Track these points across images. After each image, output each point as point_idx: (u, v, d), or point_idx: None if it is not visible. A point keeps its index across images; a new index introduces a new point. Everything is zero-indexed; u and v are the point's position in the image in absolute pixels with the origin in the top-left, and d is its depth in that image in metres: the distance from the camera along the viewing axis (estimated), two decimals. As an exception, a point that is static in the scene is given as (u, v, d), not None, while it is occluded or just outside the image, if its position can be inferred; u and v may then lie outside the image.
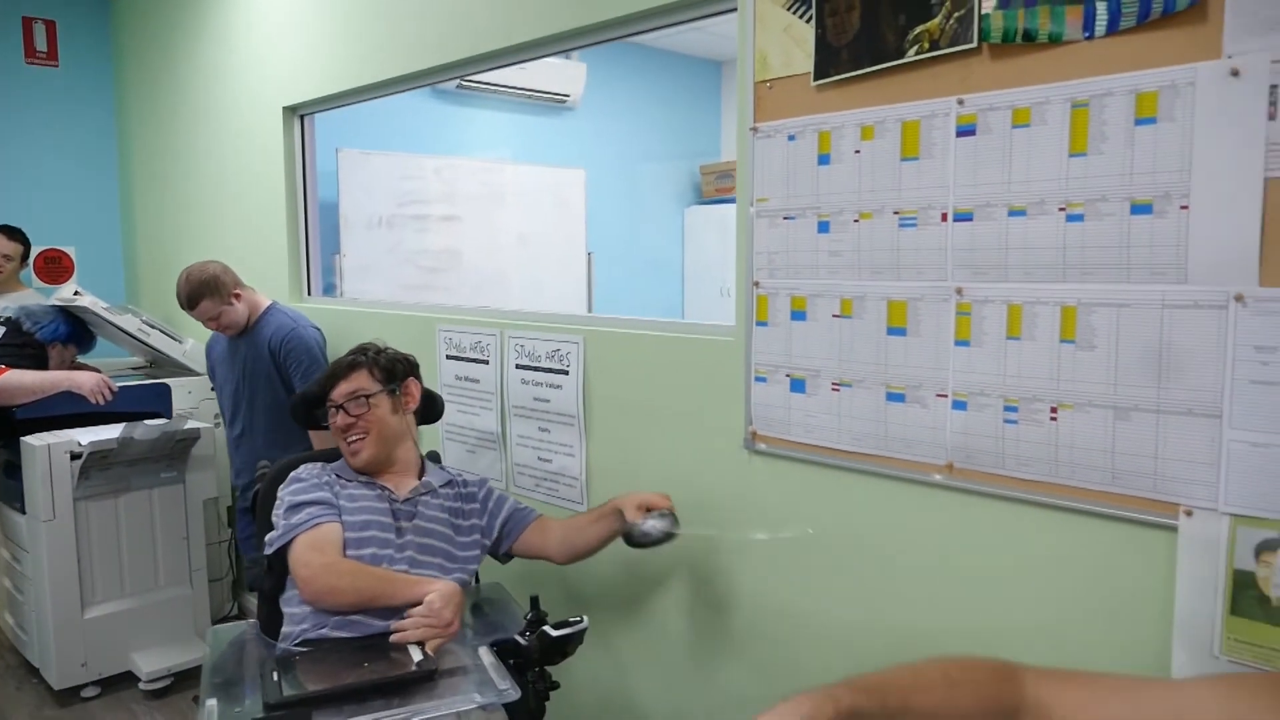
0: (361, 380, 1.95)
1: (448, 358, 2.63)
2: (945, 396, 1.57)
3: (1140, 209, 1.33)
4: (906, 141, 1.57)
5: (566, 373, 2.27)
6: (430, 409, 2.14)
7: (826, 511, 1.77)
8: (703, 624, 2.04)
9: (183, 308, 2.80)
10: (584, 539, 1.93)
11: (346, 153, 4.02)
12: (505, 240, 4.75)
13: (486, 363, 2.50)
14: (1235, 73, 1.22)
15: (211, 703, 1.53)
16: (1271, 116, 1.20)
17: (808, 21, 1.67)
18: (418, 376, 2.07)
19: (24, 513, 3.07)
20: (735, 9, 1.80)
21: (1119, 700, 0.91)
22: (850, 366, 1.70)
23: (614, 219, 5.30)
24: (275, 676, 1.58)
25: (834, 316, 1.71)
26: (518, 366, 2.41)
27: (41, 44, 4.37)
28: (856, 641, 1.74)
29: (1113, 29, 1.32)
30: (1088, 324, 1.39)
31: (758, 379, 1.85)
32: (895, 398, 1.64)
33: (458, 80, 4.01)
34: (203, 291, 2.75)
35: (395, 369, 1.99)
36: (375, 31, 2.82)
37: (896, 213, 1.60)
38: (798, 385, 1.79)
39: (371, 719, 1.47)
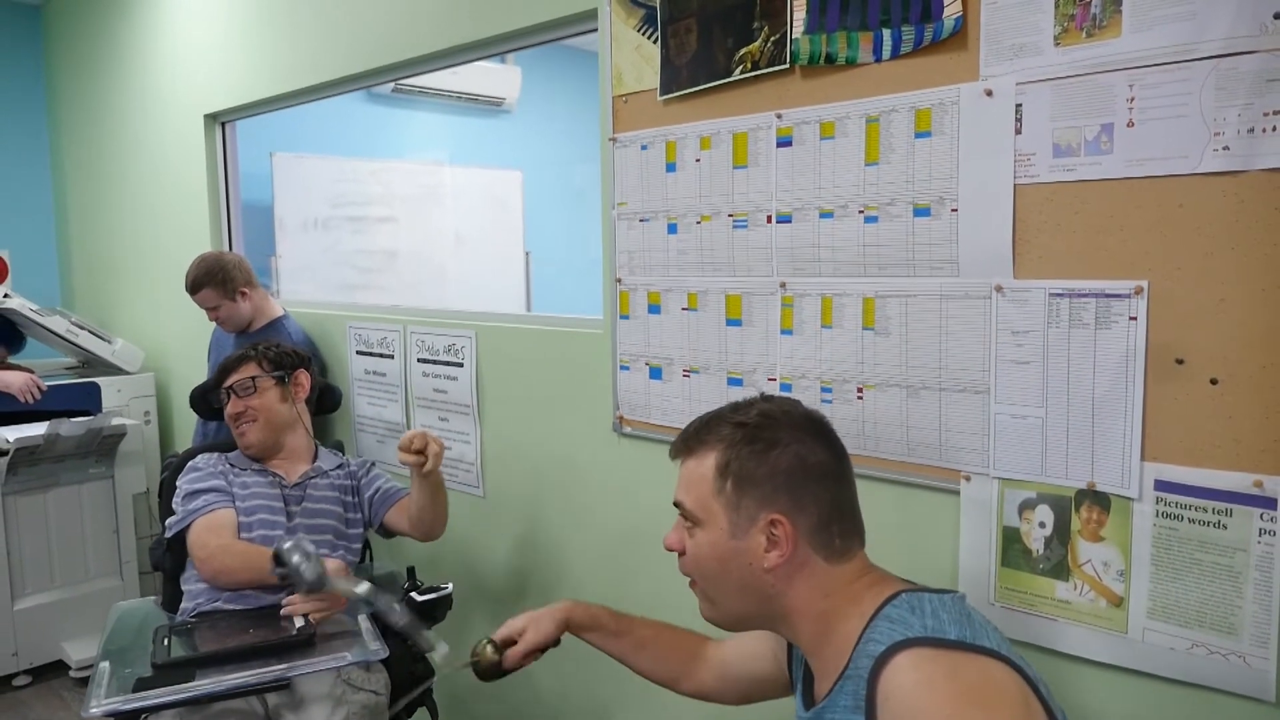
0: (251, 369, 2.11)
1: (357, 353, 2.77)
2: (775, 380, 1.74)
3: (921, 212, 1.51)
4: (737, 151, 1.74)
5: (461, 365, 2.43)
6: (325, 399, 2.29)
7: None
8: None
9: (187, 291, 2.79)
10: (416, 507, 2.02)
11: (280, 156, 4.13)
12: (443, 241, 4.89)
13: (391, 357, 2.64)
14: (989, 93, 1.40)
15: (104, 665, 1.67)
16: (1018, 131, 1.38)
17: (654, 42, 1.84)
18: (308, 369, 2.21)
19: (-47, 507, 3.17)
20: (596, 29, 1.97)
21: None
22: (698, 355, 1.87)
23: (551, 219, 5.44)
24: (166, 641, 1.72)
25: (683, 310, 1.88)
26: (419, 360, 2.56)
27: (-28, 52, 4.46)
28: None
29: (895, 53, 1.50)
30: (884, 313, 1.57)
31: (622, 368, 2.02)
32: (735, 382, 1.81)
33: (393, 84, 4.14)
34: (206, 280, 2.74)
35: (284, 361, 2.15)
36: (297, 38, 2.93)
37: (730, 215, 1.77)
38: (655, 373, 1.95)
39: (250, 674, 1.62)
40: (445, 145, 5.08)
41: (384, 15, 2.57)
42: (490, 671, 1.41)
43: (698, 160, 1.81)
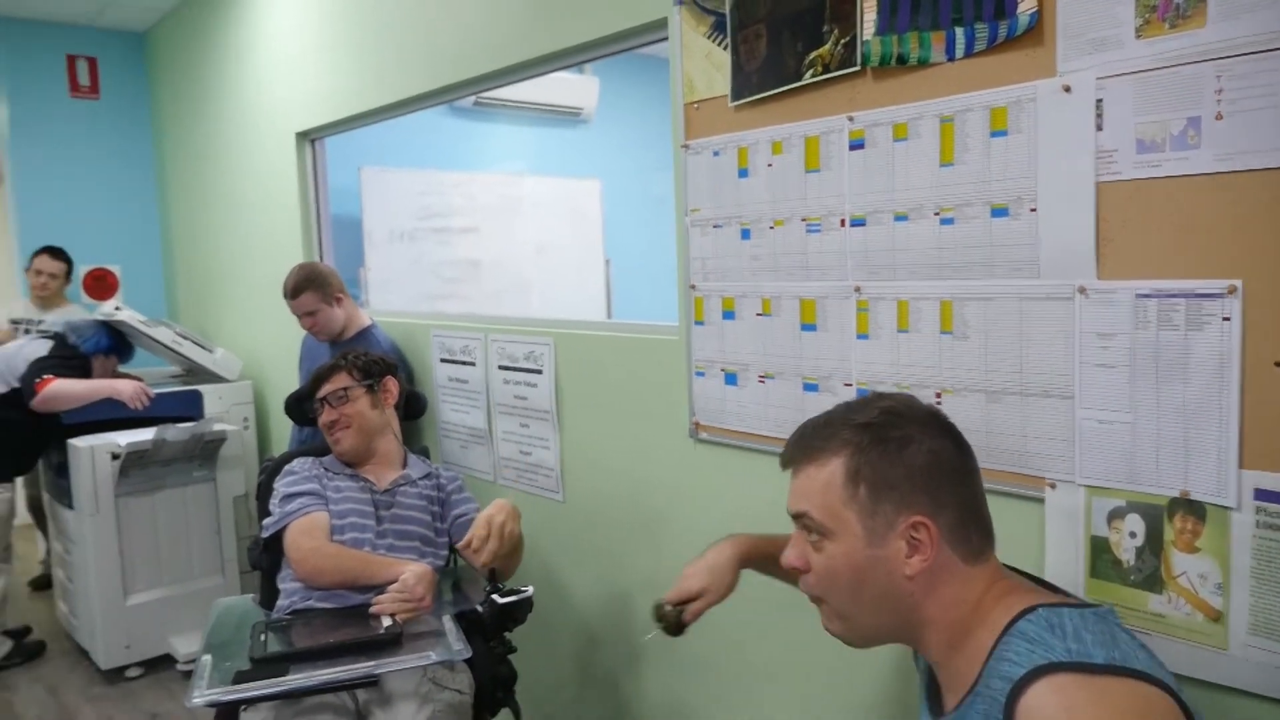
0: (342, 379, 2.19)
1: (441, 360, 2.85)
2: (850, 385, 1.73)
3: (998, 212, 1.48)
4: (809, 155, 1.73)
5: (541, 372, 2.47)
6: (412, 406, 2.36)
7: (758, 491, 1.94)
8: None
9: (285, 296, 2.89)
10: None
11: (368, 171, 4.28)
12: (524, 250, 4.98)
13: (474, 364, 2.71)
14: (1067, 89, 1.37)
15: (206, 658, 1.76)
16: (1099, 128, 1.35)
17: (724, 48, 1.85)
18: (396, 376, 2.29)
19: (72, 508, 3.37)
20: (667, 38, 1.98)
21: None
22: (772, 360, 1.86)
23: (630, 227, 5.48)
24: (263, 637, 1.80)
25: (757, 315, 1.88)
26: (500, 367, 2.62)
27: (84, 78, 4.74)
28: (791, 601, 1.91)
29: (969, 52, 1.48)
30: (962, 317, 1.55)
31: (697, 374, 2.03)
32: (810, 387, 1.80)
33: (475, 98, 4.24)
34: (307, 284, 2.84)
35: (372, 369, 2.22)
36: (381, 56, 3.03)
37: (803, 220, 1.76)
38: (730, 378, 1.96)
39: (341, 670, 1.68)
40: (526, 156, 5.18)
41: (463, 31, 2.64)
42: (676, 629, 1.44)
43: (769, 165, 1.81)
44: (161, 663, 3.43)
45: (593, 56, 2.30)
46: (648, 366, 2.17)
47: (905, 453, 1.05)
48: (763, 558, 1.46)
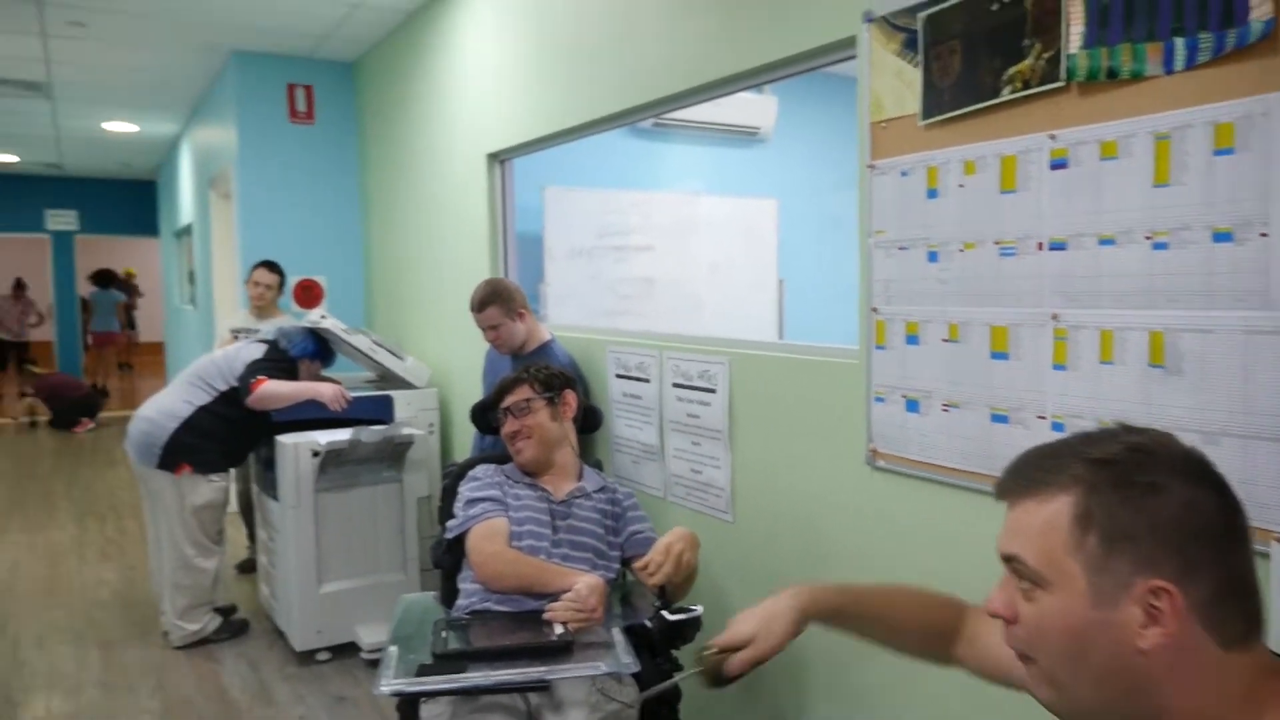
0: (524, 391, 2.27)
1: (616, 376, 2.91)
2: (1044, 419, 1.64)
3: (1221, 237, 1.36)
4: (1005, 175, 1.66)
5: (714, 391, 2.48)
6: (589, 419, 2.42)
7: (939, 524, 1.86)
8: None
9: (472, 310, 3.02)
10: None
11: (551, 190, 4.45)
12: (698, 268, 5.02)
13: (648, 381, 2.75)
14: (1308, 103, 1.25)
15: (393, 649, 1.87)
16: (1347, 145, 1.22)
17: (915, 66, 1.80)
18: (575, 389, 2.36)
19: (277, 500, 3.66)
20: (855, 56, 1.95)
21: None
22: (959, 388, 1.79)
23: (805, 247, 5.43)
24: (444, 634, 1.89)
25: (943, 341, 1.81)
26: (674, 385, 2.64)
27: (301, 105, 5.18)
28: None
29: (1191, 64, 1.37)
30: (1175, 349, 1.43)
31: (877, 399, 1.98)
32: (999, 419, 1.72)
33: (653, 119, 4.34)
34: (492, 299, 2.97)
35: (553, 382, 2.30)
36: (569, 80, 3.14)
37: (997, 243, 1.69)
38: (912, 405, 1.89)
39: (515, 672, 1.74)
40: (702, 175, 5.22)
41: (647, 54, 2.70)
42: (716, 680, 1.28)
43: (961, 185, 1.74)
44: (347, 649, 3.66)
45: (777, 76, 2.30)
46: (824, 389, 2.14)
47: (1152, 501, 0.86)
48: (833, 611, 1.29)
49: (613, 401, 2.92)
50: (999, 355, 1.70)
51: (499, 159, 3.76)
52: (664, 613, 1.83)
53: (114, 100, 6.46)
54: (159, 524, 3.74)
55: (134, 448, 3.65)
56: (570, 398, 2.34)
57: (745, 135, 5.29)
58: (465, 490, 2.25)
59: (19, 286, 12.54)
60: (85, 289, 12.07)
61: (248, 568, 4.71)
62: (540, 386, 2.29)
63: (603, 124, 3.07)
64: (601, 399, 2.98)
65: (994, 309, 1.70)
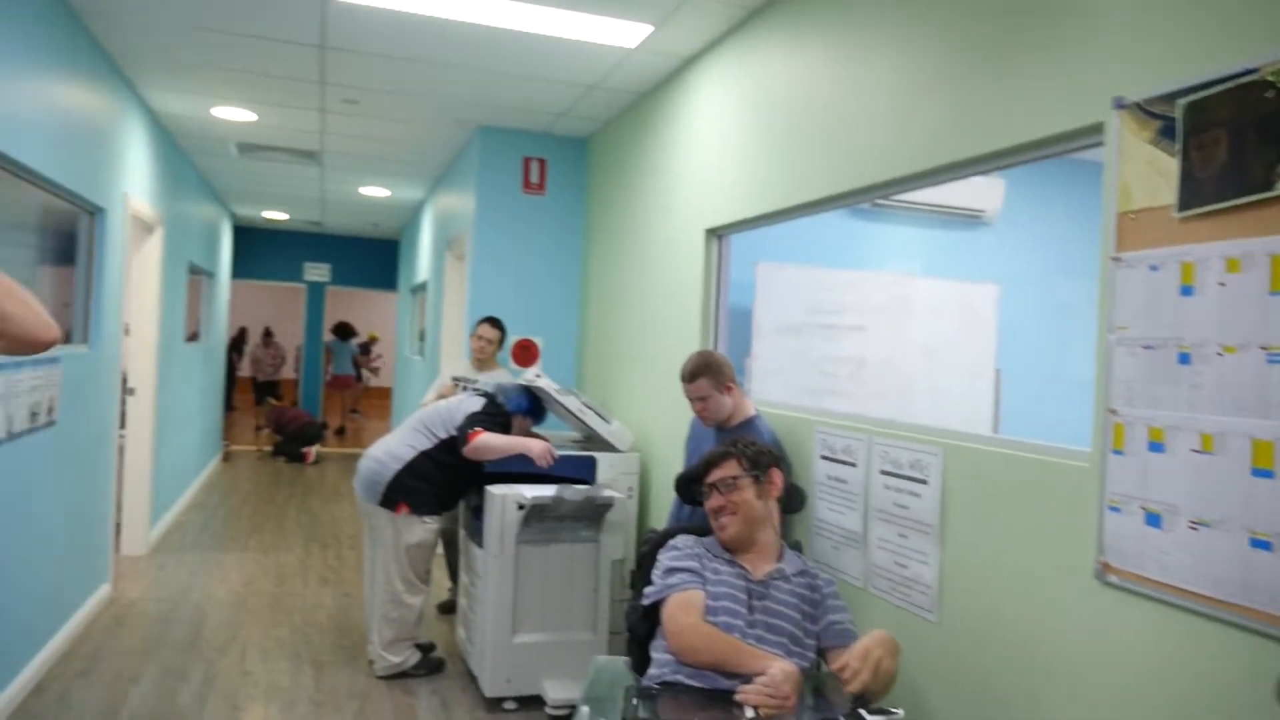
0: (731, 467, 2.27)
1: (821, 458, 2.85)
2: (1317, 548, 1.45)
3: None
4: (1276, 275, 1.51)
5: (926, 482, 2.38)
6: (792, 500, 2.39)
7: (1179, 655, 1.68)
8: (1043, 755, 1.99)
9: (683, 379, 3.07)
10: None
11: (764, 265, 4.49)
12: (910, 352, 4.88)
13: (854, 465, 2.68)
14: None
15: (584, 709, 1.90)
16: None
17: (1172, 155, 1.69)
18: (781, 468, 2.33)
19: (482, 547, 3.83)
20: (1102, 143, 1.86)
21: None
22: (1211, 505, 1.62)
23: (1028, 336, 5.15)
24: (635, 702, 1.89)
25: (1193, 451, 1.65)
26: (882, 472, 2.56)
27: (535, 177, 5.55)
28: (1206, 805, 1.61)
29: None
30: None
31: (1111, 509, 1.82)
32: (1260, 544, 1.54)
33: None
34: (703, 371, 3.02)
35: (760, 460, 2.28)
36: (793, 159, 3.18)
37: (1264, 348, 1.53)
38: (1153, 519, 1.73)
39: (701, 755, 1.72)
40: (918, 257, 5.10)
41: (874, 136, 2.70)
42: None
43: (1222, 284, 1.60)
44: (533, 701, 3.73)
45: (1012, 163, 2.23)
46: (1048, 491, 2.00)
47: None
48: None
49: (816, 483, 2.87)
50: (1263, 473, 1.53)
51: (717, 234, 3.84)
52: (861, 711, 1.75)
53: (372, 168, 7.18)
54: (376, 558, 4.01)
55: (361, 485, 3.95)
56: (776, 476, 2.32)
57: (968, 218, 5.13)
58: (664, 558, 2.26)
59: (268, 335, 14.19)
60: (327, 336, 13.35)
61: (448, 609, 4.93)
62: (747, 463, 2.28)
63: (824, 204, 3.07)
64: (804, 479, 2.93)
65: (1258, 420, 1.54)
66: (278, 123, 5.75)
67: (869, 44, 2.76)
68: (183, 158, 6.81)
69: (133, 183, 5.08)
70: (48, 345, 1.69)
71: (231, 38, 4.13)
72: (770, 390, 4.30)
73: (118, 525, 5.44)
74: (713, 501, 2.27)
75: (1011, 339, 4.99)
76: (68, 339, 4.40)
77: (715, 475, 2.29)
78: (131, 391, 5.74)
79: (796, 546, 2.49)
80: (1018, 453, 2.12)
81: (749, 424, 3.01)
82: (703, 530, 2.40)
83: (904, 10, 2.60)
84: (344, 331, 13.15)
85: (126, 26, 4.04)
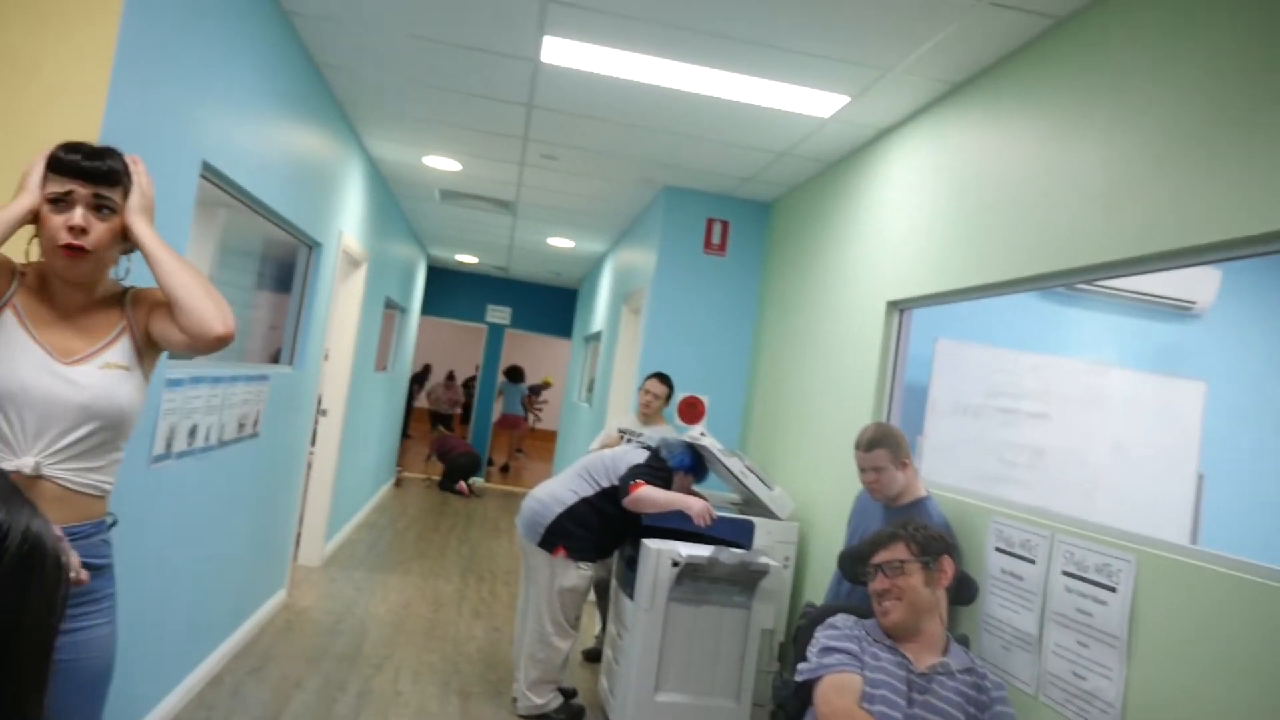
0: (900, 550, 2.18)
1: (996, 549, 2.69)
2: None
3: None
4: None
5: (1114, 589, 2.20)
6: (963, 591, 2.26)
7: None
8: None
9: (859, 448, 3.00)
10: None
11: (943, 342, 4.34)
12: (1098, 447, 4.56)
13: (1033, 562, 2.51)
14: None
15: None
16: None
17: None
18: (953, 556, 2.22)
19: (632, 599, 3.84)
20: (1350, 242, 1.70)
21: None
22: None
23: (1238, 440, 4.71)
24: (778, 785, 1.83)
25: None
26: (1064, 573, 2.39)
27: (716, 238, 5.63)
28: None
29: None
30: None
31: (1339, 645, 1.62)
32: None
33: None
34: (883, 442, 2.95)
35: (931, 545, 2.18)
36: (985, 235, 3.07)
37: None
38: (1392, 664, 1.53)
39: None
40: (1114, 345, 4.79)
41: (1076, 219, 2.57)
42: None
43: None
44: (670, 765, 3.68)
45: (1237, 255, 2.06)
46: (1263, 616, 1.80)
47: None
48: None
49: (988, 576, 2.71)
50: None
51: (899, 307, 3.76)
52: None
53: (561, 219, 7.50)
54: (530, 597, 4.09)
55: (523, 524, 4.06)
56: (947, 565, 2.21)
57: (1176, 308, 4.78)
58: (822, 636, 2.19)
59: (450, 378, 15.06)
60: (500, 377, 13.95)
61: (593, 656, 4.96)
62: (917, 548, 2.19)
63: (1016, 285, 2.95)
64: (974, 570, 2.77)
65: None
66: (479, 173, 6.12)
67: (1076, 126, 2.65)
68: (391, 200, 7.35)
69: (347, 221, 5.52)
70: (219, 340, 1.75)
71: (449, 94, 4.45)
72: (941, 471, 4.12)
73: (298, 536, 5.83)
74: (877, 584, 2.18)
75: (1218, 442, 4.58)
76: (275, 359, 4.80)
77: (882, 556, 2.20)
78: (324, 413, 6.18)
79: (963, 641, 2.35)
80: (1224, 569, 1.93)
81: (919, 505, 2.89)
82: (863, 611, 2.31)
83: (1118, 96, 2.48)
84: (515, 374, 13.67)
85: (360, 80, 4.43)
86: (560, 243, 8.64)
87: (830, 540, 3.89)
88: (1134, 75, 2.44)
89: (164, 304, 1.77)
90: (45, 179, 1.68)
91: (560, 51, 3.68)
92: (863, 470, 2.99)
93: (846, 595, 2.85)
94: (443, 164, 5.97)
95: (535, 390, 15.23)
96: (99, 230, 1.70)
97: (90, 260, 1.71)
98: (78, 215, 1.67)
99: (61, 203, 1.68)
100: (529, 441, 15.95)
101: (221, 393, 3.51)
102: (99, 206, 1.70)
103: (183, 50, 2.73)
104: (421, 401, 15.74)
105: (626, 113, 4.36)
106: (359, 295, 6.38)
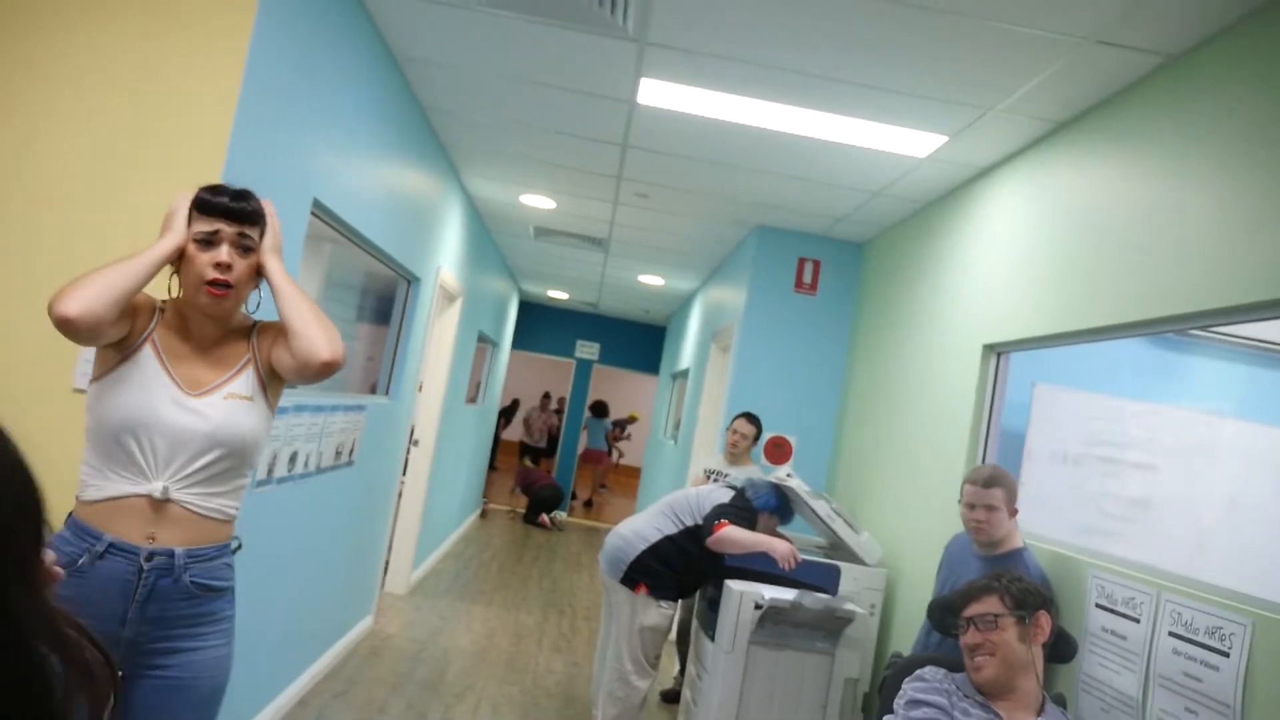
0: (994, 604, 2.10)
1: (1096, 606, 2.57)
2: None
3: None
4: None
5: (1226, 655, 2.07)
6: (1060, 648, 2.17)
7: None
8: None
9: (975, 483, 2.90)
10: None
11: (1042, 387, 4.19)
12: (1209, 500, 4.33)
13: (1137, 621, 2.39)
14: None
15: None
16: None
17: None
18: (1050, 611, 2.12)
19: (713, 640, 3.79)
20: None
21: None
22: None
23: (1365, 501, 4.40)
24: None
25: None
26: (1171, 634, 2.26)
27: (807, 278, 5.59)
28: None
29: None
30: None
31: None
32: None
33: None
34: (1002, 481, 2.88)
35: (1027, 599, 2.10)
36: (1089, 278, 2.96)
37: None
38: None
39: None
40: (1230, 395, 4.55)
41: (1187, 263, 2.47)
42: None
43: None
44: (747, 814, 3.59)
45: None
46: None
47: None
48: None
49: (1087, 633, 2.58)
50: None
51: (996, 351, 3.66)
52: None
53: (651, 257, 7.57)
54: (610, 634, 4.08)
55: (605, 560, 4.07)
56: (1044, 621, 2.12)
57: (1298, 358, 4.52)
58: (909, 688, 2.12)
59: (546, 398, 15.09)
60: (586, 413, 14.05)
61: (671, 697, 4.91)
62: (1012, 601, 2.10)
63: (1122, 330, 2.84)
64: (1072, 626, 2.65)
65: None
66: (573, 211, 6.24)
67: (1189, 166, 2.56)
68: (486, 236, 7.54)
69: (445, 256, 5.69)
70: (325, 365, 1.81)
71: (548, 134, 4.57)
72: (1038, 522, 3.95)
73: (386, 563, 5.95)
74: (969, 637, 2.10)
75: (1343, 503, 4.28)
76: (372, 390, 4.95)
77: (974, 609, 2.12)
78: (416, 443, 6.33)
79: (1060, 701, 2.24)
80: (1353, 640, 1.80)
81: (1016, 555, 2.79)
82: (953, 663, 2.23)
83: (1236, 135, 2.39)
84: (600, 409, 13.76)
85: (462, 123, 4.59)
86: (650, 280, 8.71)
87: (919, 588, 3.77)
88: (1253, 114, 2.34)
89: (284, 334, 1.86)
90: (190, 218, 1.79)
91: (656, 93, 3.74)
92: (972, 507, 2.87)
93: (936, 646, 2.76)
94: (538, 202, 6.11)
95: (620, 425, 15.27)
96: (240, 267, 1.82)
97: (231, 296, 1.82)
98: (224, 253, 1.79)
99: (208, 242, 1.79)
100: (612, 477, 15.99)
101: (322, 421, 3.63)
102: (241, 245, 1.81)
103: (299, 93, 2.88)
104: (512, 433, 15.95)
105: (720, 152, 4.39)
106: (453, 329, 6.54)
